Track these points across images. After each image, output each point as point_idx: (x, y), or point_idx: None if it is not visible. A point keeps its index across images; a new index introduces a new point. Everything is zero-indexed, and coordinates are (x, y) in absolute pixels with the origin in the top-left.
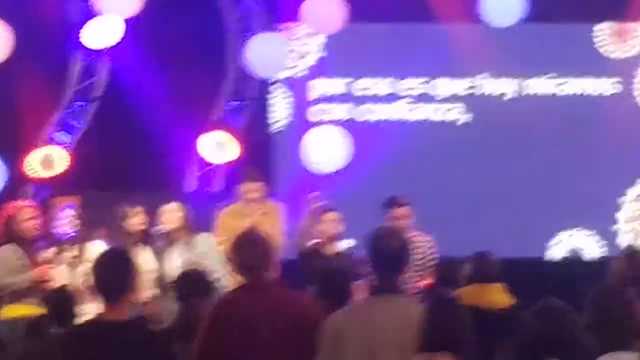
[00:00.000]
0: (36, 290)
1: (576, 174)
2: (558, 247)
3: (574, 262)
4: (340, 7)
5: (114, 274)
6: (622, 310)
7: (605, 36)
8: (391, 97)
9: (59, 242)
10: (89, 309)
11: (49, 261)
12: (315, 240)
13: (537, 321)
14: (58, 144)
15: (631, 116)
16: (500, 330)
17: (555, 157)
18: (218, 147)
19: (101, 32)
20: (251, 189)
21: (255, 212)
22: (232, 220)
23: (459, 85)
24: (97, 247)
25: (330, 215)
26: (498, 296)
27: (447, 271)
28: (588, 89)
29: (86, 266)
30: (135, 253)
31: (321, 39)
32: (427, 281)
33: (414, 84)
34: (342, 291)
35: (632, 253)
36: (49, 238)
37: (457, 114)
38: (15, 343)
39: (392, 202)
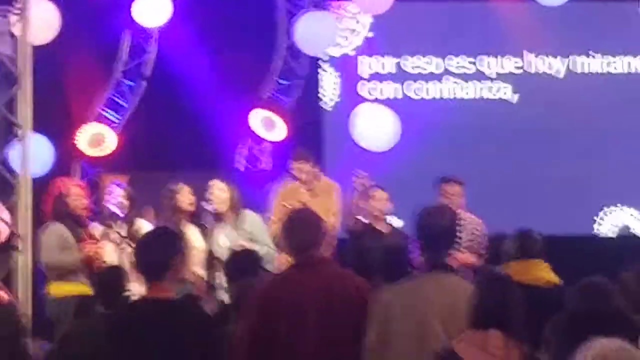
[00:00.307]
0: (83, 268)
1: (624, 152)
2: (606, 224)
3: (623, 238)
4: None
5: (155, 253)
6: None
7: None
8: (440, 76)
9: (107, 221)
10: (136, 289)
11: (96, 240)
12: (362, 219)
13: (580, 298)
14: (106, 122)
15: None
16: (547, 307)
17: (603, 135)
18: (268, 124)
19: (150, 10)
20: (301, 169)
21: (308, 191)
22: (285, 200)
23: (508, 64)
24: (144, 226)
25: (379, 194)
26: (543, 273)
27: (495, 248)
28: (638, 67)
29: (133, 245)
30: (183, 231)
31: (370, 17)
32: (472, 258)
33: (463, 63)
34: (403, 267)
35: None
36: (97, 216)
37: (507, 92)
38: (63, 321)
39: (444, 179)
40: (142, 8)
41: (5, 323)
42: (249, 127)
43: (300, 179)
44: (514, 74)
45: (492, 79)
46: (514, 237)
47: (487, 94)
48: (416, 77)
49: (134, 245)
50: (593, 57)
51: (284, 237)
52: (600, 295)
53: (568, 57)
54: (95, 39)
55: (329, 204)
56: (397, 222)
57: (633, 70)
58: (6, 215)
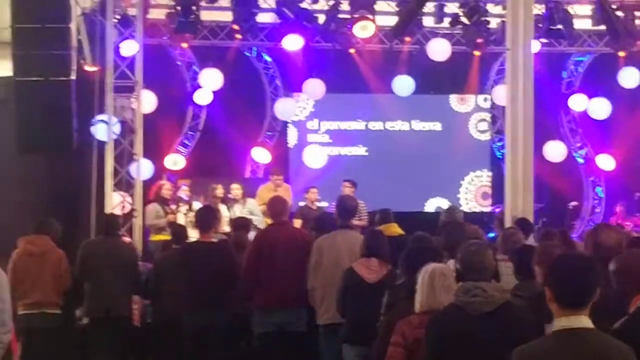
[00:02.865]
0: (167, 226)
1: (441, 170)
2: (429, 206)
3: (437, 213)
4: (322, 86)
5: (205, 217)
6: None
7: (455, 100)
8: (349, 131)
9: (179, 202)
10: (193, 235)
11: (174, 212)
12: (304, 203)
13: (414, 241)
14: (180, 153)
15: (464, 141)
16: (399, 247)
17: (426, 163)
18: (260, 155)
19: (202, 96)
20: (276, 178)
21: (277, 188)
22: (265, 193)
23: (386, 125)
24: (197, 206)
25: (313, 190)
26: (395, 229)
27: (372, 217)
28: (435, 129)
29: (192, 215)
30: (218, 208)
31: (312, 100)
32: (361, 223)
33: (359, 126)
34: (328, 226)
35: (450, 209)
36: (174, 200)
37: (386, 138)
38: (157, 254)
39: (345, 181)
40: (199, 94)
41: (129, 253)
42: (252, 156)
43: (274, 183)
44: (387, 129)
45: (377, 132)
46: (379, 212)
47: (373, 140)
48: (334, 131)
49: (192, 215)
50: (419, 121)
51: (268, 209)
52: (424, 240)
53: (407, 121)
54: (176, 110)
55: (285, 195)
56: (323, 204)
57: (436, 130)
58: (129, 199)
